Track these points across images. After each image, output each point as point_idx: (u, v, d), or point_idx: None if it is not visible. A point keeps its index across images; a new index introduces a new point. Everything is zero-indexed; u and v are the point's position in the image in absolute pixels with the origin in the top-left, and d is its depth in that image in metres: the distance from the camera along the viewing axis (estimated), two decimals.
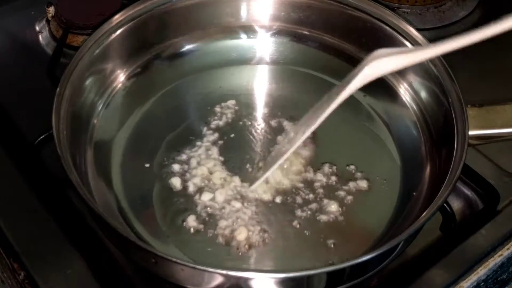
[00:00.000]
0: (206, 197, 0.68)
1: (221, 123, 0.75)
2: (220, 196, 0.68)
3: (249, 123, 0.76)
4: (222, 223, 0.66)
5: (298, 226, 0.66)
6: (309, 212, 0.67)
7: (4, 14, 0.90)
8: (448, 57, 0.72)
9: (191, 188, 0.68)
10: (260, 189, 0.68)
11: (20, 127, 0.76)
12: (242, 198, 0.68)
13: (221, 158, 0.72)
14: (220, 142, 0.73)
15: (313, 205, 0.68)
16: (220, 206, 0.67)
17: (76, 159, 0.66)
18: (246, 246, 0.64)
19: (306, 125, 0.65)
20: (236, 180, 0.69)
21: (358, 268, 0.59)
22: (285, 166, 0.70)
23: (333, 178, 0.70)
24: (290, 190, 0.69)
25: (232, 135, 0.74)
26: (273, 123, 0.76)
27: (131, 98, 0.77)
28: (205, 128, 0.74)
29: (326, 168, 0.71)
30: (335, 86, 0.79)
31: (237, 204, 0.67)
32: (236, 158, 0.72)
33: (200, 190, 0.68)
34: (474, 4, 0.97)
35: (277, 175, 0.69)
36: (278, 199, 0.68)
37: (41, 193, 0.68)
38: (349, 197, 0.69)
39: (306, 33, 0.83)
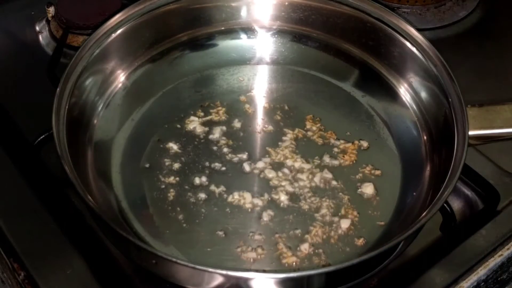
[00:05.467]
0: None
1: (221, 123, 0.75)
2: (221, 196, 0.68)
3: (249, 123, 0.76)
4: (224, 224, 0.66)
5: (297, 228, 0.66)
6: (307, 211, 0.67)
7: (4, 14, 0.90)
8: (448, 57, 0.72)
9: (191, 188, 0.69)
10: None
11: (20, 127, 0.76)
12: (242, 197, 0.68)
13: (221, 158, 0.72)
14: (220, 142, 0.73)
15: (312, 204, 0.68)
16: (221, 206, 0.67)
17: (76, 159, 0.66)
18: (248, 247, 0.64)
19: None
20: (236, 179, 0.69)
21: (358, 268, 0.59)
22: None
23: (333, 178, 0.70)
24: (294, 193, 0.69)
25: (232, 135, 0.74)
26: (273, 123, 0.76)
27: (131, 98, 0.77)
28: (205, 128, 0.74)
29: (326, 168, 0.71)
30: (335, 86, 0.80)
31: (239, 203, 0.67)
32: (235, 157, 0.72)
33: (200, 190, 0.68)
34: (474, 4, 0.97)
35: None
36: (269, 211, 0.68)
37: (41, 193, 0.68)
38: (348, 197, 0.69)
39: (306, 33, 0.83)
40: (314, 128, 0.75)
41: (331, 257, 0.64)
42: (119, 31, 0.75)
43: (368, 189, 0.69)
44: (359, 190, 0.69)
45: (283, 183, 0.69)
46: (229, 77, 0.81)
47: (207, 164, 0.71)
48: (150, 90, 0.78)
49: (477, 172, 0.71)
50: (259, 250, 0.64)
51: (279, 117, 0.76)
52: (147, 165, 0.71)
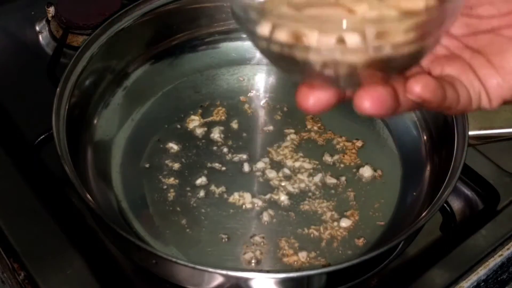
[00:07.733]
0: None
1: (221, 123, 0.75)
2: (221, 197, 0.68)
3: (249, 123, 0.76)
4: (224, 224, 0.66)
5: (297, 228, 0.66)
6: (307, 211, 0.67)
7: (4, 14, 0.90)
8: None
9: (191, 188, 0.69)
10: None
11: (20, 127, 0.76)
12: (242, 198, 0.68)
13: (221, 158, 0.72)
14: (220, 142, 0.73)
15: (312, 204, 0.68)
16: (221, 206, 0.67)
17: (76, 159, 0.66)
18: (249, 247, 0.64)
19: None
20: (236, 180, 0.69)
21: (358, 268, 0.59)
22: None
23: (333, 178, 0.70)
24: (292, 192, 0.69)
25: (232, 135, 0.74)
26: (273, 123, 0.76)
27: (131, 98, 0.77)
28: (205, 128, 0.74)
29: (326, 168, 0.71)
30: None
31: (239, 203, 0.67)
32: (235, 157, 0.72)
33: (200, 190, 0.68)
34: None
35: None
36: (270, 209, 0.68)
37: (41, 193, 0.68)
38: (348, 197, 0.69)
39: None
40: (314, 128, 0.75)
41: (331, 257, 0.64)
42: (119, 31, 0.75)
43: (366, 172, 0.69)
44: (357, 175, 0.70)
45: (283, 183, 0.69)
46: (229, 77, 0.81)
47: (207, 164, 0.71)
48: (150, 90, 0.78)
49: (477, 172, 0.71)
50: (259, 250, 0.64)
51: (279, 117, 0.76)
52: (147, 165, 0.71)
